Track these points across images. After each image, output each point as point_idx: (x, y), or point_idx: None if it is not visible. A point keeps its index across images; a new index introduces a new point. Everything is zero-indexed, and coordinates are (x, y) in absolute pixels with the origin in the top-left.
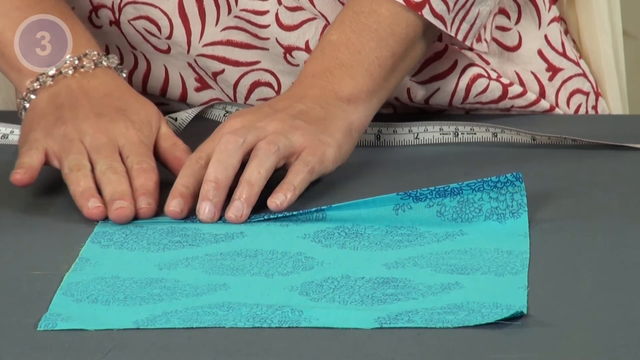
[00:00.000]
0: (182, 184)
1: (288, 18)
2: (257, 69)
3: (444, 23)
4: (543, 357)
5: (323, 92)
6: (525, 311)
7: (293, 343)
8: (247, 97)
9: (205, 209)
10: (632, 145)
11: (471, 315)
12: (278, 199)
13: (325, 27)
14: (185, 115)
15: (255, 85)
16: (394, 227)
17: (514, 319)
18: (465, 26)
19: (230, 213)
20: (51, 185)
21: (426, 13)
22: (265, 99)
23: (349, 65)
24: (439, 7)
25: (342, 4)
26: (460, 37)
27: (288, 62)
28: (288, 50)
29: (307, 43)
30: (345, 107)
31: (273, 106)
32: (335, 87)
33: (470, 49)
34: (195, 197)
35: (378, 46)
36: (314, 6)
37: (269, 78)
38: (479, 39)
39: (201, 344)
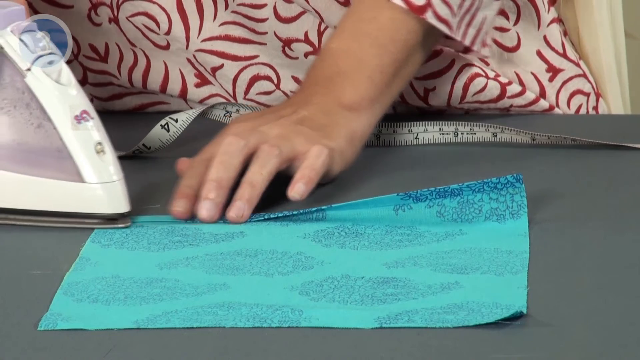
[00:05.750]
0: (186, 185)
1: (286, 10)
2: (255, 63)
3: (449, 27)
4: (543, 357)
5: (326, 99)
6: (525, 311)
7: (293, 343)
8: (246, 92)
9: (205, 208)
10: (632, 145)
11: (471, 315)
12: (300, 190)
13: (319, 24)
14: (185, 117)
15: (255, 79)
16: (393, 226)
17: (513, 319)
18: (471, 31)
19: (232, 213)
20: None
21: (430, 17)
22: (264, 93)
23: (350, 73)
24: (443, 11)
25: (336, 0)
26: (467, 42)
27: (287, 55)
28: (287, 43)
29: (306, 34)
30: (348, 114)
31: (276, 112)
32: (338, 95)
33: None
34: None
35: (378, 53)
36: (308, 2)
37: (268, 72)
38: (484, 44)
39: (201, 344)
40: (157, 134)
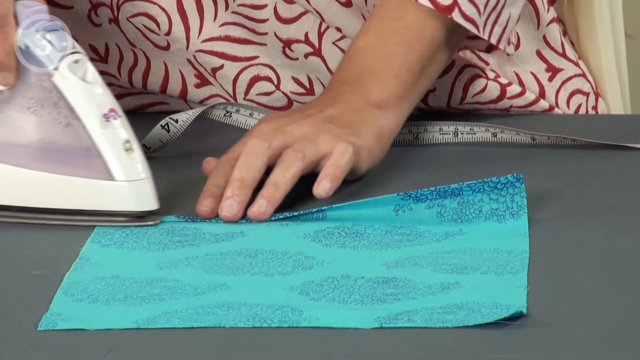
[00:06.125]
0: (213, 184)
1: (286, 11)
2: (255, 64)
3: (476, 26)
4: (543, 357)
5: (353, 98)
6: (524, 311)
7: (293, 343)
8: (246, 92)
9: (228, 206)
10: (632, 145)
11: (471, 315)
12: (325, 187)
13: (320, 24)
14: (186, 117)
15: (255, 80)
16: (394, 226)
17: (513, 319)
18: (497, 29)
19: (254, 208)
20: None
21: (456, 16)
22: (264, 94)
23: (378, 71)
24: (469, 10)
25: (337, 1)
26: (493, 40)
27: (287, 55)
28: (287, 43)
29: (306, 35)
30: (375, 112)
31: (304, 111)
32: (365, 93)
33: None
34: None
35: (405, 51)
36: (309, 3)
37: (268, 72)
38: (508, 42)
39: (201, 344)
40: (157, 134)
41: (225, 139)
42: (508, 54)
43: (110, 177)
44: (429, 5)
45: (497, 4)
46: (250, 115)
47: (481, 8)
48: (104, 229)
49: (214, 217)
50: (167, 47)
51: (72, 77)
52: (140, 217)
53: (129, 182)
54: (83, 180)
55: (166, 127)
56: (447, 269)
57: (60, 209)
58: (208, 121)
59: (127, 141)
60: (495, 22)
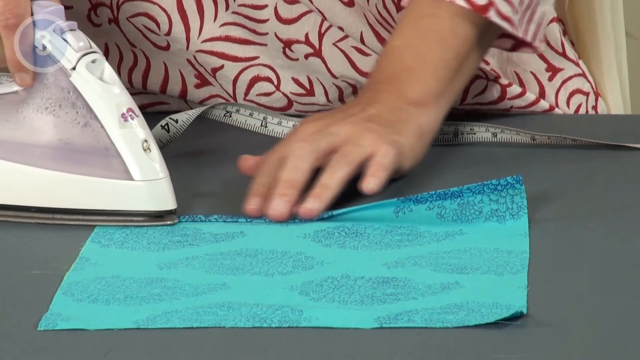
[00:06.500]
0: (261, 183)
1: (287, 11)
2: (256, 64)
3: (512, 24)
4: (543, 357)
5: (392, 96)
6: (525, 311)
7: (293, 343)
8: (246, 93)
9: (276, 204)
10: (632, 145)
11: (471, 315)
12: (370, 183)
13: (322, 22)
14: (186, 117)
15: (255, 80)
16: (394, 226)
17: (513, 319)
18: (532, 27)
19: (305, 205)
20: None
21: (493, 15)
22: (264, 94)
23: (415, 69)
24: (505, 9)
25: (340, 1)
26: (529, 37)
27: (287, 56)
28: (287, 44)
29: (306, 35)
30: (414, 110)
31: (346, 111)
32: (404, 92)
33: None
34: None
35: (441, 48)
36: (311, 2)
37: (268, 73)
38: (541, 40)
39: (201, 344)
40: (157, 134)
41: (225, 139)
42: (539, 52)
43: (129, 177)
44: (466, 5)
45: (531, 1)
46: (250, 115)
47: (516, 6)
48: (104, 229)
49: (261, 216)
50: (167, 47)
51: (90, 76)
52: (158, 216)
53: (147, 182)
54: (101, 180)
55: (166, 127)
56: (447, 269)
57: (78, 209)
58: (208, 121)
59: (145, 141)
60: (530, 20)
